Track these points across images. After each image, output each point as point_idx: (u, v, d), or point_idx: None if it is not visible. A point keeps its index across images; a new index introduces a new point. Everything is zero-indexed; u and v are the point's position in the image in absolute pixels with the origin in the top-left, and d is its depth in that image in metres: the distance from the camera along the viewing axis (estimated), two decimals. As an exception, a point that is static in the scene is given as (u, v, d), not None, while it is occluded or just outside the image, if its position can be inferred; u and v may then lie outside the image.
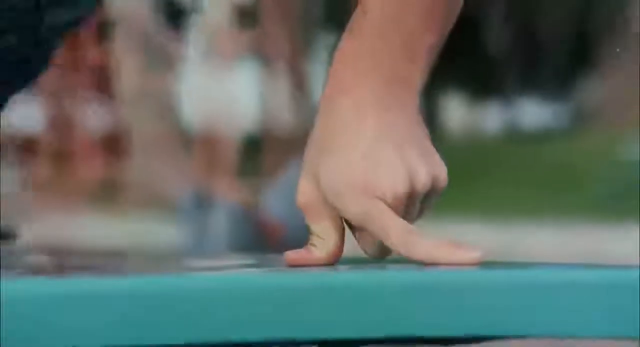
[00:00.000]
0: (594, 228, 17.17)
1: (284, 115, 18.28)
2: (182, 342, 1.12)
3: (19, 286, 1.12)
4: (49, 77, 16.06)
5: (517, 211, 17.56)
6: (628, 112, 24.96)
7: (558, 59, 37.07)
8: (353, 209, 1.28)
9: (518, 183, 20.38)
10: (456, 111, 39.11)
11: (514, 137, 36.00)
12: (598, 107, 32.06)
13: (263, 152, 16.69)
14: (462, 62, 30.24)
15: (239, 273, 1.41)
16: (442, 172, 1.32)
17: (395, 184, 1.27)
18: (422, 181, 1.28)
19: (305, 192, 1.34)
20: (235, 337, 1.12)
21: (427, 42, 1.37)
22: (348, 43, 1.38)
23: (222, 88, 19.25)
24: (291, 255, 1.34)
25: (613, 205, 18.29)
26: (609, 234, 16.31)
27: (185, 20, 27.96)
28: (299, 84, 16.82)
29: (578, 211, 18.42)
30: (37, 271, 1.83)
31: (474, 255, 1.22)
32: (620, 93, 28.16)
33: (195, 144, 18.82)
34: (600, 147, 24.44)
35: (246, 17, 19.93)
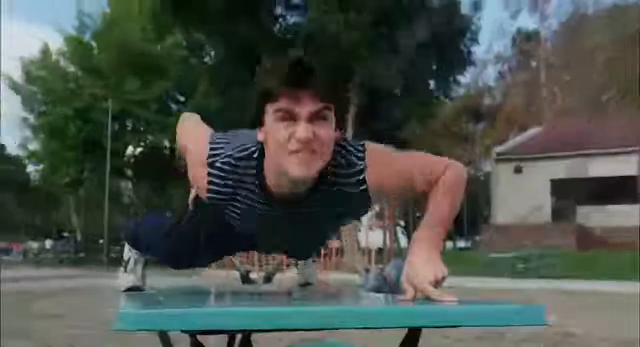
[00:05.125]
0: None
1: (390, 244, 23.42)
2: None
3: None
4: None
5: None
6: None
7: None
8: (418, 285, 1.54)
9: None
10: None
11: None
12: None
13: (384, 257, 20.94)
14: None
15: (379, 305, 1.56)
16: (445, 273, 1.59)
17: (433, 278, 1.55)
18: (440, 276, 1.56)
19: (404, 275, 1.60)
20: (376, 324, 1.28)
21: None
22: (420, 232, 1.69)
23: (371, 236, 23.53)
24: (400, 297, 1.60)
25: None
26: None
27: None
28: (393, 236, 20.91)
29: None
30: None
31: (455, 298, 1.48)
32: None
33: (364, 254, 22.81)
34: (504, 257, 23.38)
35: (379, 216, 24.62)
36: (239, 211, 1.86)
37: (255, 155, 1.75)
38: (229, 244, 2.31)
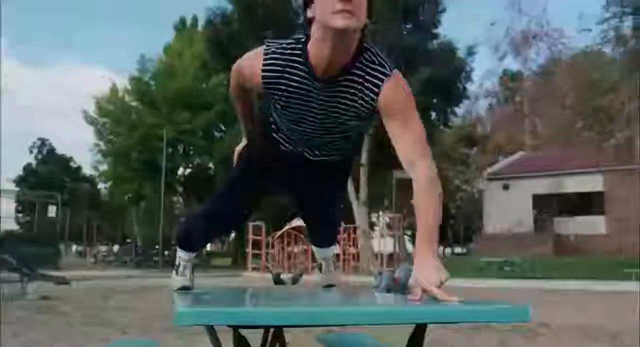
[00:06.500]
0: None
1: (400, 249, 23.06)
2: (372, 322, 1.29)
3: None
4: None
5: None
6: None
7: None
8: (425, 286, 1.51)
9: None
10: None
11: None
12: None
13: (393, 260, 21.56)
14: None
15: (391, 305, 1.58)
16: (447, 276, 1.55)
17: (438, 280, 1.52)
18: (444, 278, 1.53)
19: (413, 278, 1.57)
20: (381, 321, 1.26)
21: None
22: (422, 241, 1.65)
23: (382, 243, 23.87)
24: (410, 296, 1.57)
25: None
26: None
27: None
28: (401, 243, 20.85)
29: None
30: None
31: (457, 298, 1.45)
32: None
33: (377, 259, 23.02)
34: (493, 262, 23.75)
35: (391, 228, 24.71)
36: (286, 89, 1.87)
37: (302, 39, 1.82)
38: (266, 189, 2.34)
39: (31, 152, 67.29)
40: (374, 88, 1.79)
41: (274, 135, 2.12)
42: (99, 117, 39.58)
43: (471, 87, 32.27)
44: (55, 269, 19.79)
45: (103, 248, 52.91)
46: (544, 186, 29.28)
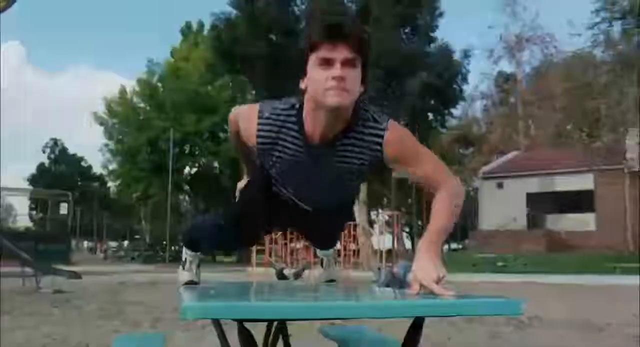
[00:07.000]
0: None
1: (398, 246, 22.86)
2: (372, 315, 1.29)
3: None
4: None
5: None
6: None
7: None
8: (424, 282, 1.50)
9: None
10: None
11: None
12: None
13: (392, 257, 20.60)
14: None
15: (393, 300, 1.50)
16: (445, 273, 1.52)
17: (436, 276, 1.49)
18: (441, 275, 1.50)
19: (412, 274, 1.56)
20: (382, 315, 1.27)
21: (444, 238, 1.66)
22: (425, 240, 1.63)
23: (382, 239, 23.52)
24: (408, 292, 1.56)
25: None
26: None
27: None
28: (400, 240, 20.58)
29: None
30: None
31: (453, 292, 1.43)
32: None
33: (376, 255, 22.20)
34: (487, 257, 24.06)
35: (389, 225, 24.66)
36: (281, 156, 1.84)
37: (297, 106, 1.78)
38: (266, 223, 2.31)
39: (44, 152, 67.51)
40: (375, 146, 1.76)
41: (273, 187, 2.10)
42: (109, 118, 39.56)
43: (467, 89, 32.21)
44: (67, 264, 19.94)
45: (113, 244, 52.95)
46: (537, 184, 29.24)
